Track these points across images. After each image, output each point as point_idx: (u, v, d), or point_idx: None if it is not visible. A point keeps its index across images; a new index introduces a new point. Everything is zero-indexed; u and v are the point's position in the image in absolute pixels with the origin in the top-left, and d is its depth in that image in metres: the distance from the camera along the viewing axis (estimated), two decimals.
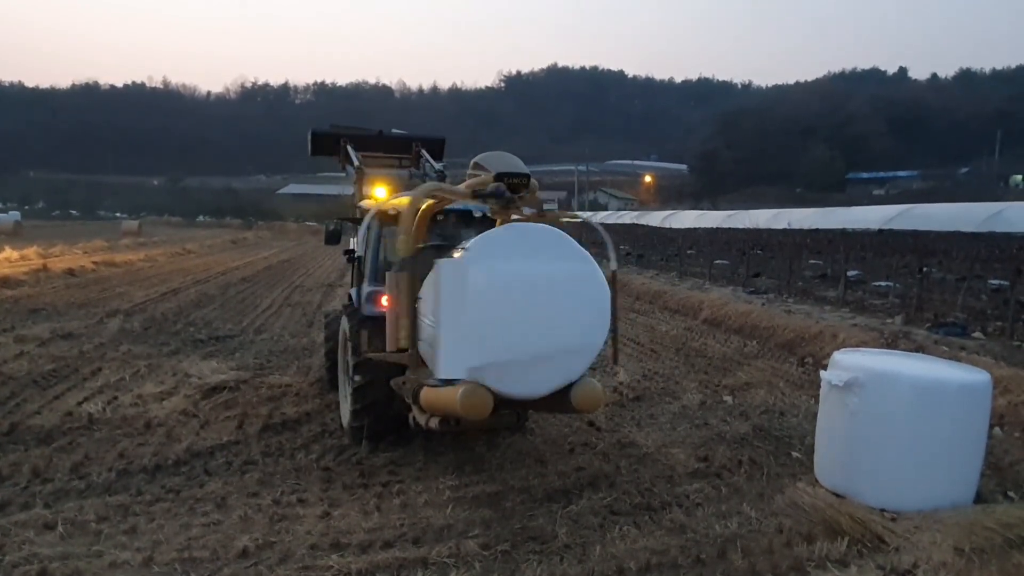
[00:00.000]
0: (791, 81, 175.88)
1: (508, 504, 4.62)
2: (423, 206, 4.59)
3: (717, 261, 19.90)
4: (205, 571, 3.72)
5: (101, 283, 16.66)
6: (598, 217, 45.64)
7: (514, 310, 3.99)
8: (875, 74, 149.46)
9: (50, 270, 17.59)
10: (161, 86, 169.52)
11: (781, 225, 32.44)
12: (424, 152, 7.74)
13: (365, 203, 6.53)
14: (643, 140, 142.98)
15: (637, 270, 21.69)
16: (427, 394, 4.32)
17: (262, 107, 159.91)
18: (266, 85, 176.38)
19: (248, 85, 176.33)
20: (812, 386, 7.20)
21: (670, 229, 37.34)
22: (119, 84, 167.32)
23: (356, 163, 7.18)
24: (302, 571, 3.71)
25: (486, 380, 3.95)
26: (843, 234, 26.31)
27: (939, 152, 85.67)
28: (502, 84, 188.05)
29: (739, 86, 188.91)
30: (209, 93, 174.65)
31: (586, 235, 12.13)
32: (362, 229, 5.86)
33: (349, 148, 7.42)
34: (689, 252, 23.36)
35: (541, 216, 4.63)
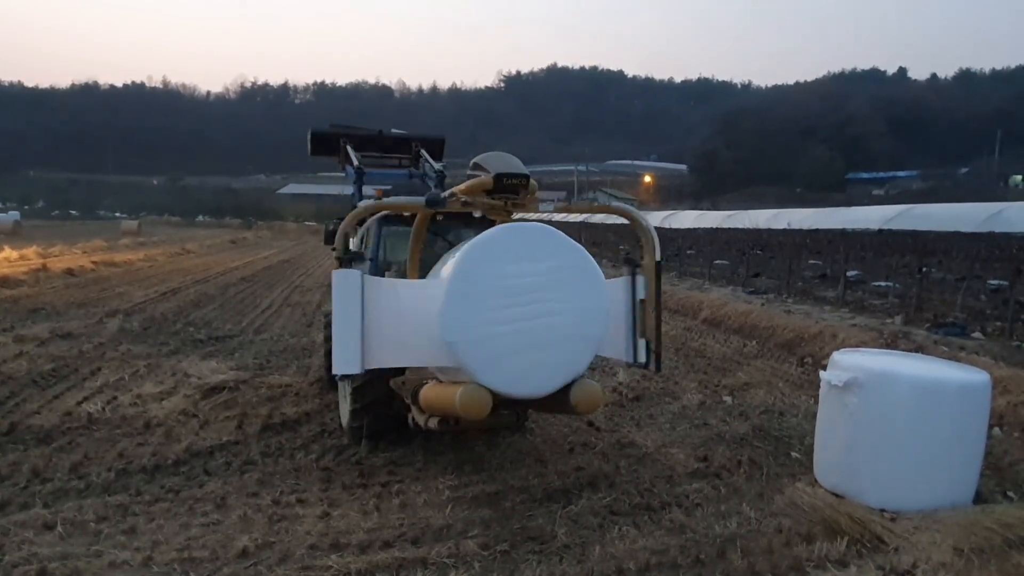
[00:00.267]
0: (791, 81, 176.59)
1: (507, 504, 4.62)
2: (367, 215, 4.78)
3: (717, 261, 19.87)
4: (204, 571, 3.72)
5: (100, 283, 16.64)
6: (597, 217, 45.56)
7: (513, 309, 3.98)
8: (875, 74, 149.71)
9: (50, 270, 17.56)
10: (161, 86, 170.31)
11: (781, 225, 32.47)
12: (424, 152, 7.72)
13: (365, 203, 6.51)
14: (643, 140, 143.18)
15: None
16: (426, 394, 4.32)
17: (262, 107, 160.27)
18: (266, 85, 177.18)
19: (248, 85, 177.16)
20: (811, 386, 7.20)
21: (670, 229, 37.25)
22: (119, 84, 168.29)
23: (356, 163, 7.17)
24: (301, 571, 3.71)
25: (485, 379, 3.95)
26: (843, 234, 26.31)
27: (939, 152, 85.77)
28: (502, 84, 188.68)
29: (739, 86, 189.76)
30: (209, 93, 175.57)
31: (586, 235, 12.13)
32: (361, 229, 5.86)
33: (349, 148, 7.41)
34: (689, 252, 23.32)
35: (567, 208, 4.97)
